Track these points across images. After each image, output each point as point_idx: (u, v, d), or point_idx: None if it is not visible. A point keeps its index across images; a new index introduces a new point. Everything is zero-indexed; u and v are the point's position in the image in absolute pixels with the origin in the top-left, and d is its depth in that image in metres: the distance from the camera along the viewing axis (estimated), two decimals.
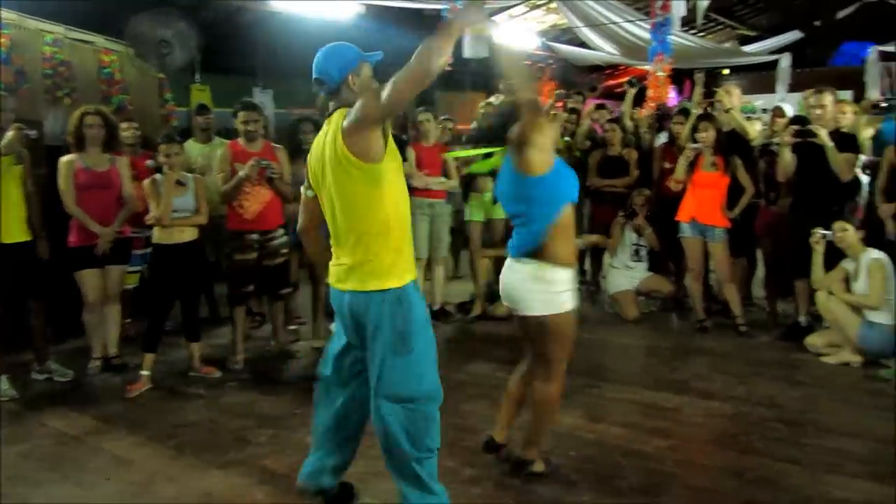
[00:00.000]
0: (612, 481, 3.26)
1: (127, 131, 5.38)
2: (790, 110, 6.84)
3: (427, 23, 8.29)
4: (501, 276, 3.19)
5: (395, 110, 2.53)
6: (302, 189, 2.83)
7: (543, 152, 2.95)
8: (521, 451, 3.28)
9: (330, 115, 2.64)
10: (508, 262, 3.16)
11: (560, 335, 3.07)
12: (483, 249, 6.28)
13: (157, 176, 4.60)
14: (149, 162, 4.96)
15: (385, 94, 2.38)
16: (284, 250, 5.10)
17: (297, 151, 5.21)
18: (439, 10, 6.73)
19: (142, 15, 6.94)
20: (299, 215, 2.90)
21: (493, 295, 6.20)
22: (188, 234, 4.69)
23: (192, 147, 5.88)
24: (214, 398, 4.45)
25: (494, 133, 3.12)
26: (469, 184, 6.18)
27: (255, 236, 4.93)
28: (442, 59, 2.35)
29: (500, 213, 6.37)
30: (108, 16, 6.85)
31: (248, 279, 5.00)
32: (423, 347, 2.63)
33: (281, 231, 5.07)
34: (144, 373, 4.58)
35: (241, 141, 4.98)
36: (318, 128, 5.32)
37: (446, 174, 5.96)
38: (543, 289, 3.01)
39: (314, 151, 2.68)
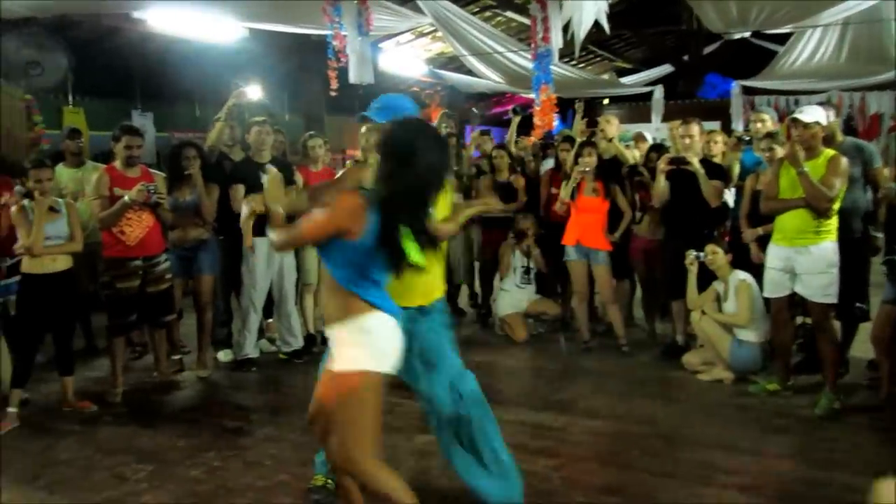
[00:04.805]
0: None
1: None
2: (650, 137, 7.26)
3: (313, 47, 8.25)
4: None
5: None
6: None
7: None
8: None
9: None
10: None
11: None
12: None
13: (26, 202, 4.35)
14: (17, 188, 4.71)
15: None
16: (168, 276, 4.96)
17: (180, 177, 5.10)
18: (324, 37, 6.70)
19: (6, 35, 6.60)
20: None
21: None
22: (61, 263, 4.46)
23: (62, 172, 5.64)
24: (89, 434, 4.22)
25: None
26: None
27: (138, 262, 4.76)
28: None
29: None
30: None
31: (131, 308, 4.81)
32: None
33: (164, 256, 4.93)
34: (12, 410, 4.31)
35: (118, 165, 4.80)
36: (201, 152, 5.24)
37: None
38: None
39: None
